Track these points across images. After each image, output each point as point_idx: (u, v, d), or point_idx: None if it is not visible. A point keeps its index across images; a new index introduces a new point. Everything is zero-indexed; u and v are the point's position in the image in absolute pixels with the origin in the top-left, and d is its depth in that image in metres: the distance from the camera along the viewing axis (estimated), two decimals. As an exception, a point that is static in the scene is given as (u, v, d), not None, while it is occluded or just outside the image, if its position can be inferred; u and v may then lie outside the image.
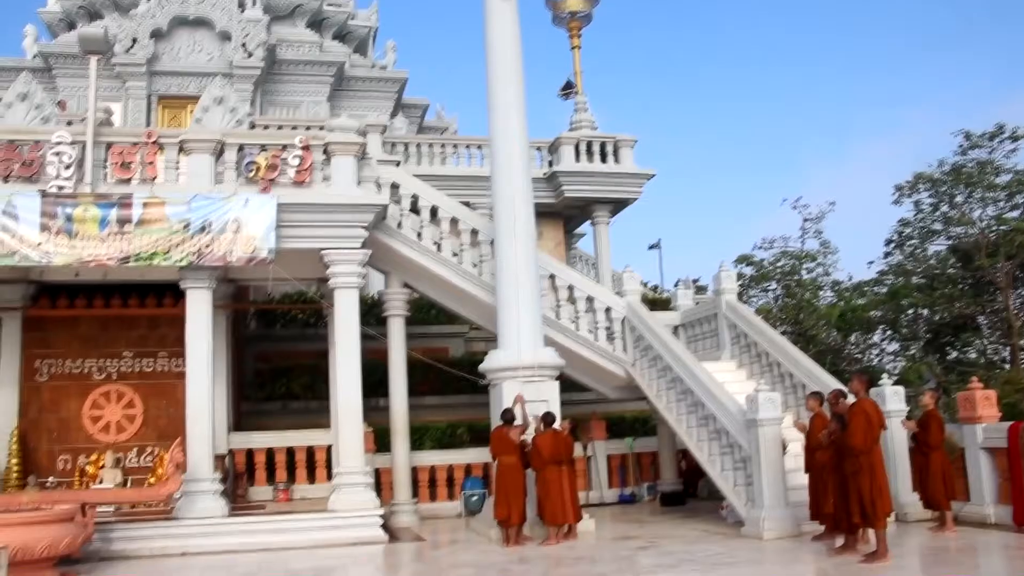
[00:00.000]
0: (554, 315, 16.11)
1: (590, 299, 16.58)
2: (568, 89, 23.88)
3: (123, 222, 13.20)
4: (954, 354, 29.44)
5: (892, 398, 13.20)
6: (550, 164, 22.27)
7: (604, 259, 22.67)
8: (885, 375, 14.13)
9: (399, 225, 15.75)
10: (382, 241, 15.24)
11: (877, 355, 31.07)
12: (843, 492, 10.25)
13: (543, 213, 19.92)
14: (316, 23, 26.95)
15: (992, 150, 28.25)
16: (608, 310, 16.57)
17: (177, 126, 22.85)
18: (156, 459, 15.28)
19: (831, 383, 13.57)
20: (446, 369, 18.50)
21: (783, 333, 22.87)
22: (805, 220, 31.86)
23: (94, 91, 14.34)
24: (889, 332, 30.53)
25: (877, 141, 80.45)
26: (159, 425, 16.04)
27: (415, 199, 16.13)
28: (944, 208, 28.97)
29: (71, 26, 25.89)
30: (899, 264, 30.35)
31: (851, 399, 10.50)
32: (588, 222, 23.59)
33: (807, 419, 12.14)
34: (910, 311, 29.49)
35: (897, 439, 12.98)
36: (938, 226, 29.35)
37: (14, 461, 14.98)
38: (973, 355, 28.99)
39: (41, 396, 15.84)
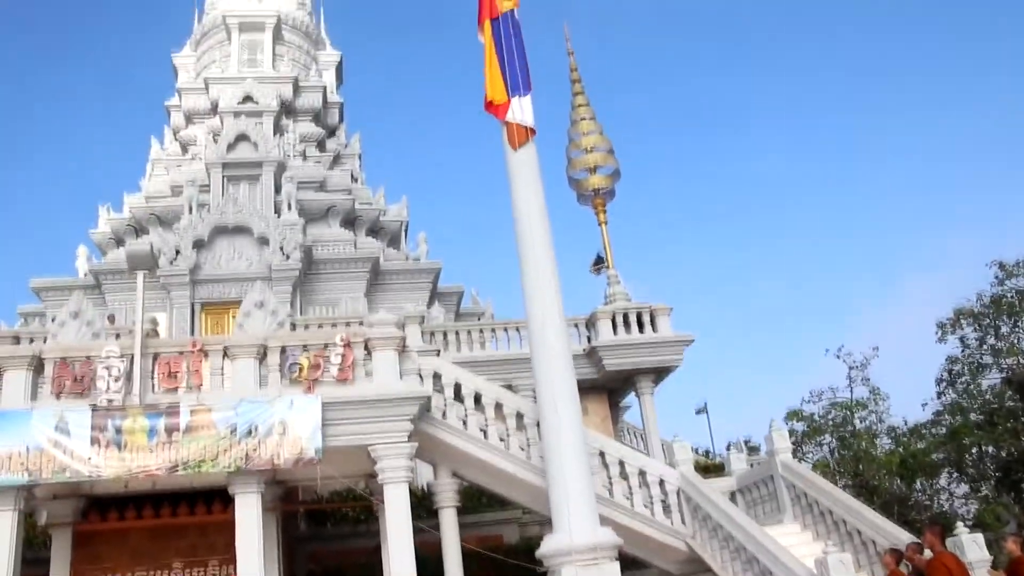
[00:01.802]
0: (607, 492, 15.73)
1: (642, 472, 16.22)
2: (599, 264, 24.28)
3: (171, 431, 13.30)
4: (1030, 491, 28.24)
5: (971, 547, 12.45)
6: (588, 339, 22.37)
7: (652, 429, 22.37)
8: (960, 522, 13.43)
9: (444, 415, 15.69)
10: (428, 432, 15.16)
11: (947, 500, 29.85)
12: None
13: (586, 388, 19.86)
14: (349, 221, 27.91)
15: None
16: (662, 482, 16.16)
17: (220, 331, 23.37)
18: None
19: (902, 536, 12.96)
20: (502, 559, 17.96)
21: (843, 487, 22.14)
22: (851, 368, 31.49)
23: (141, 305, 14.80)
24: (955, 474, 29.43)
25: (924, 276, 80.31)
26: (212, 636, 15.58)
27: (458, 387, 16.14)
28: (991, 341, 28.54)
29: (119, 243, 27.02)
30: (954, 402, 29.60)
31: (928, 553, 9.99)
32: (632, 393, 23.44)
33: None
34: (974, 450, 28.52)
35: (985, 593, 12.22)
36: (988, 359, 28.81)
37: None
38: (1051, 490, 27.77)
39: (91, 614, 15.51)
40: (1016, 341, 27.87)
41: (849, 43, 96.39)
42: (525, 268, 15.07)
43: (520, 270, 15.18)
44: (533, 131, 14.93)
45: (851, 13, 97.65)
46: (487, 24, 14.97)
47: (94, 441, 13.10)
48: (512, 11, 15.14)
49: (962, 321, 28.95)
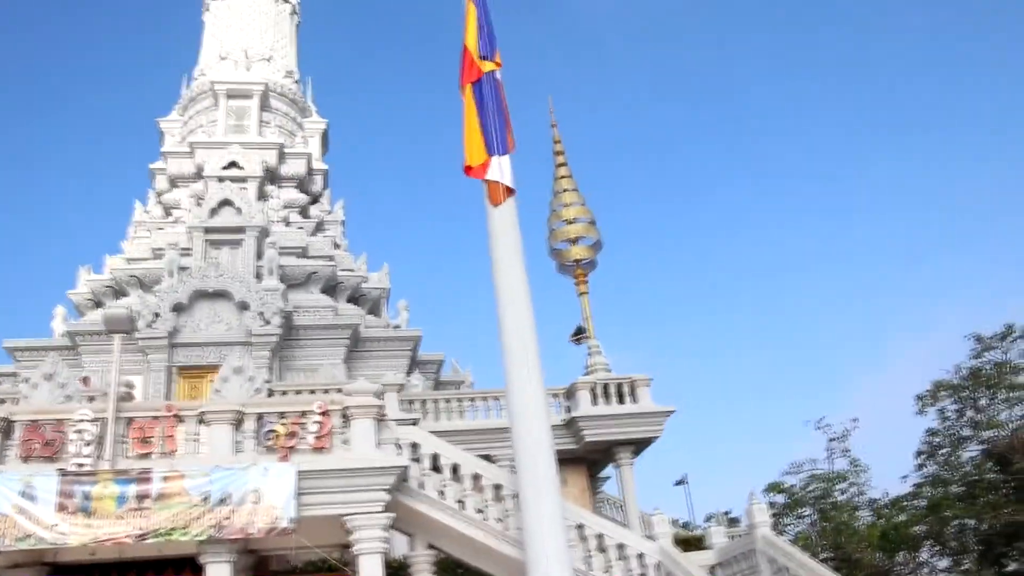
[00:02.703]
0: (585, 566, 15.50)
1: (621, 546, 16.02)
2: (579, 334, 24.26)
3: (142, 498, 13.05)
4: (1012, 565, 27.96)
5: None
6: (568, 410, 22.25)
7: (631, 501, 22.14)
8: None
9: (421, 485, 15.48)
10: (405, 503, 14.93)
11: (928, 573, 29.61)
12: None
13: (565, 460, 19.64)
14: (331, 288, 27.87)
15: (1006, 351, 28.33)
16: (641, 556, 15.96)
17: (197, 396, 23.09)
18: None
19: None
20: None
21: (824, 560, 21.94)
22: (831, 440, 31.50)
23: (116, 369, 14.62)
24: (937, 547, 29.21)
25: (911, 342, 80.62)
26: None
27: (436, 457, 15.97)
28: (970, 413, 28.61)
29: (99, 304, 26.83)
30: (935, 475, 29.54)
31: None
32: (612, 464, 23.25)
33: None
34: (955, 523, 28.36)
35: None
36: (967, 431, 28.84)
37: None
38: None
39: None
40: (995, 414, 27.97)
41: (836, 107, 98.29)
42: (505, 338, 14.99)
43: (500, 339, 15.11)
44: (512, 191, 14.93)
45: (838, 74, 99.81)
46: (468, 88, 15.07)
47: (61, 507, 12.82)
48: (494, 72, 15.28)
49: (941, 393, 29.06)
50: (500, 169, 14.83)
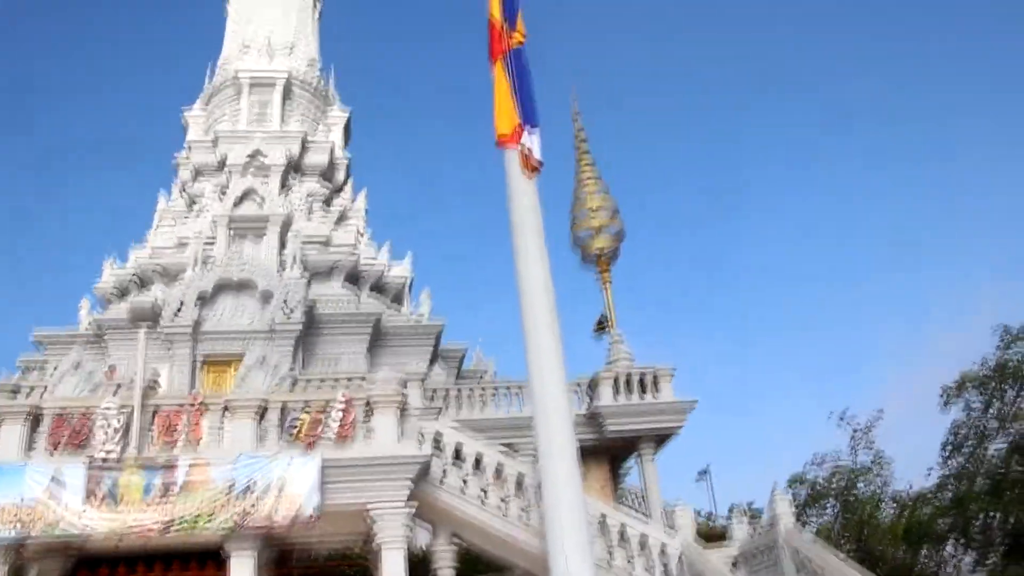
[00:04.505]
0: (608, 558, 15.51)
1: (643, 539, 16.01)
2: (602, 325, 24.17)
3: (167, 487, 13.19)
4: (1039, 560, 27.72)
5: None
6: (590, 401, 22.20)
7: (653, 494, 22.08)
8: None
9: (443, 477, 15.53)
10: (427, 494, 14.99)
11: (953, 569, 29.34)
12: None
13: (587, 452, 19.61)
14: (353, 279, 27.90)
15: None
16: (663, 549, 15.95)
17: (221, 387, 23.21)
18: None
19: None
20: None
21: (847, 553, 21.77)
22: (854, 432, 31.26)
23: (142, 360, 14.74)
24: (962, 543, 28.93)
25: (946, 333, 79.65)
26: None
27: (458, 448, 16.00)
28: (996, 406, 28.25)
29: (123, 295, 27.00)
30: (960, 469, 29.20)
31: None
32: (634, 456, 23.20)
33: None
34: (980, 518, 28.07)
35: None
36: (994, 425, 28.49)
37: None
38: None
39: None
40: (1022, 407, 27.60)
41: (866, 103, 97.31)
42: (528, 328, 14.86)
43: (523, 330, 15.03)
44: (540, 165, 14.76)
45: (864, 90, 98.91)
46: (498, 61, 14.87)
47: (89, 496, 12.97)
48: (521, 47, 15.11)
49: (967, 386, 28.71)
50: (530, 140, 14.66)
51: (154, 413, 14.02)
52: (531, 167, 14.54)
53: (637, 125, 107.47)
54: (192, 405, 14.13)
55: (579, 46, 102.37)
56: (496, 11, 14.95)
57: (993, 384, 28.05)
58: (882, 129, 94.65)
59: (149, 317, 23.17)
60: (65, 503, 12.93)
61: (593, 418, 21.73)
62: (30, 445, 13.62)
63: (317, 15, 36.61)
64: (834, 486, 30.69)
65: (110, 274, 27.82)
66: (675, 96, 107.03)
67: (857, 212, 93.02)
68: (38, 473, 13.00)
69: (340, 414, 14.10)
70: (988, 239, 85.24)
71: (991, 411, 28.44)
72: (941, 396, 29.31)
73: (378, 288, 28.74)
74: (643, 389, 22.23)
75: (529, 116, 14.55)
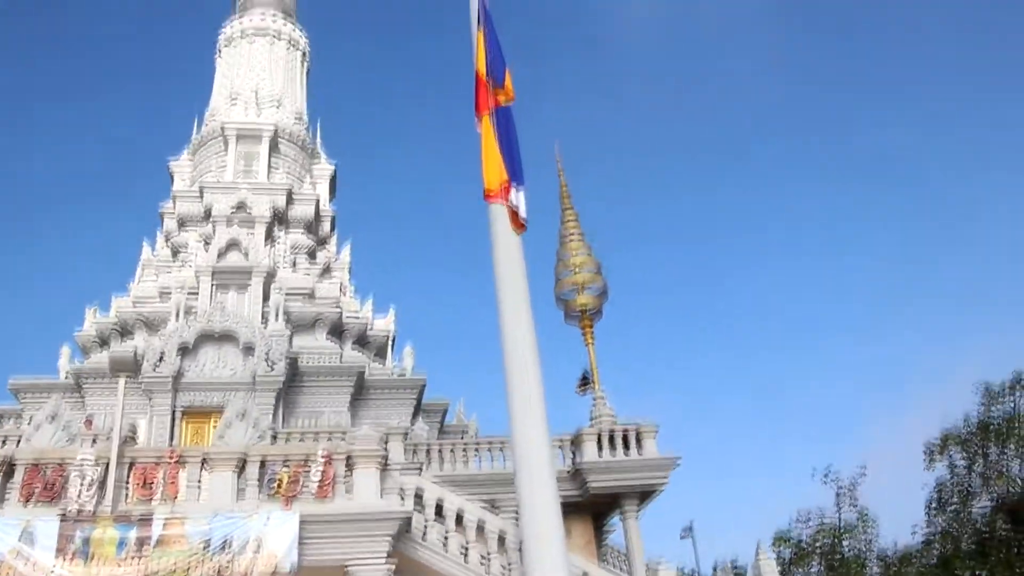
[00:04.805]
0: (589, 620, 15.27)
1: (625, 600, 15.78)
2: (585, 383, 24.08)
3: (142, 543, 12.94)
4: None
5: None
6: (573, 459, 22.02)
7: (636, 552, 21.79)
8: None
9: (424, 533, 15.32)
10: (407, 550, 14.79)
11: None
12: None
13: (570, 510, 19.41)
14: (336, 332, 27.80)
15: (1016, 401, 27.97)
16: (645, 611, 15.72)
17: (200, 439, 22.95)
18: None
19: None
20: None
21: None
22: (839, 490, 31.14)
23: (120, 412, 14.58)
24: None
25: (929, 388, 79.85)
26: None
27: (440, 504, 15.81)
28: (980, 465, 28.20)
29: (104, 345, 26.78)
30: (945, 528, 29.04)
31: None
32: (617, 514, 22.96)
33: None
34: (967, 580, 27.89)
35: None
36: (977, 484, 28.42)
37: None
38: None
39: None
40: (1006, 467, 27.58)
41: (847, 147, 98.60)
42: (511, 386, 14.80)
43: (506, 388, 14.94)
44: (524, 226, 14.82)
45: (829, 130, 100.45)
46: (485, 116, 14.97)
47: (59, 552, 12.71)
48: (508, 106, 15.23)
49: (950, 445, 28.72)
50: (517, 198, 14.72)
51: (131, 466, 13.82)
52: (519, 226, 14.60)
53: (622, 182, 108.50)
54: (170, 459, 13.93)
55: (565, 102, 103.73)
56: (482, 65, 15.09)
57: (976, 442, 28.07)
58: (867, 187, 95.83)
59: (130, 367, 22.94)
60: (34, 561, 12.65)
61: (576, 475, 21.54)
62: (3, 497, 13.37)
63: (305, 71, 37.00)
64: (819, 544, 30.49)
65: (91, 322, 27.62)
66: (660, 155, 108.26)
67: (840, 270, 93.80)
68: (9, 526, 12.74)
69: (320, 471, 13.94)
70: (969, 295, 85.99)
71: (975, 469, 28.42)
72: (925, 453, 29.33)
73: (361, 341, 28.62)
74: (627, 446, 22.08)
75: (515, 175, 14.63)
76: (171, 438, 23.11)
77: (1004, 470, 27.34)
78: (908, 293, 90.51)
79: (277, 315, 25.99)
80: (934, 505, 29.54)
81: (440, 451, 22.03)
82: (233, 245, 27.50)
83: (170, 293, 26.73)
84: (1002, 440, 27.50)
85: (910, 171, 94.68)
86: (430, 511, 15.70)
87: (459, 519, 15.85)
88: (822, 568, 30.45)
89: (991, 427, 27.72)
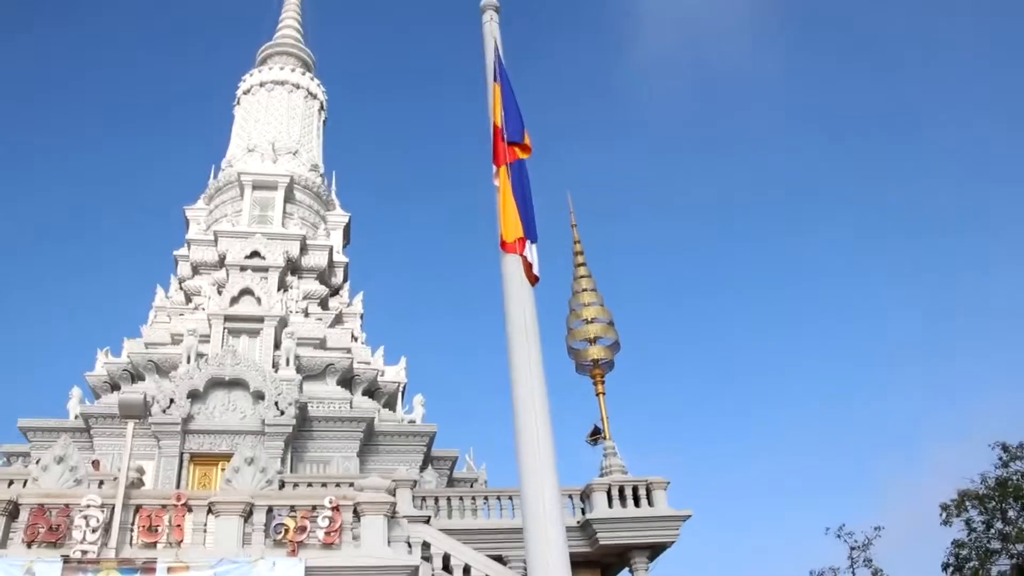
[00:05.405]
0: None
1: (634, 658, 15.49)
2: (596, 435, 23.89)
3: (145, 589, 12.78)
4: None
5: None
6: (583, 512, 21.78)
7: (646, 609, 21.46)
8: None
9: (430, 585, 15.13)
10: (413, 603, 14.57)
11: None
12: None
13: (579, 563, 19.16)
14: (346, 381, 27.77)
15: None
16: (654, 670, 15.41)
17: (208, 484, 22.82)
18: None
19: None
20: None
21: None
22: (852, 549, 30.67)
23: (128, 455, 14.53)
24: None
25: (947, 447, 78.85)
26: None
27: (447, 557, 15.62)
28: (998, 525, 27.67)
29: (115, 387, 26.80)
30: None
31: None
32: (627, 569, 22.64)
33: None
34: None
35: None
36: (996, 544, 27.84)
37: None
38: None
39: None
40: None
41: (851, 205, 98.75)
42: (520, 438, 14.71)
43: (515, 439, 14.85)
44: (537, 279, 14.86)
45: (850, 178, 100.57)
46: (503, 168, 15.06)
47: (62, 598, 12.56)
48: (524, 161, 15.33)
49: (967, 503, 28.24)
50: (531, 253, 14.78)
51: (136, 510, 13.73)
52: (533, 279, 14.65)
53: (636, 236, 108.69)
54: (176, 504, 13.84)
55: (580, 155, 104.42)
56: (498, 118, 15.22)
57: (994, 502, 27.61)
58: (882, 245, 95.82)
59: (139, 411, 22.86)
60: (37, 603, 12.52)
61: (585, 528, 21.28)
62: (7, 538, 13.27)
63: (322, 121, 37.50)
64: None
65: (102, 365, 27.69)
66: (675, 210, 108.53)
67: (855, 328, 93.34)
68: (13, 568, 12.63)
69: (327, 519, 13.83)
70: (985, 353, 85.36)
71: (992, 530, 27.90)
72: (941, 513, 28.84)
73: (372, 390, 28.57)
74: (636, 500, 21.84)
75: (529, 231, 14.70)
76: (179, 482, 22.99)
77: (1023, 531, 26.86)
78: (923, 351, 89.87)
79: (288, 362, 26.00)
80: (952, 567, 28.95)
81: (449, 501, 21.82)
82: (246, 292, 27.62)
83: (182, 337, 26.80)
84: (1020, 499, 27.07)
85: (925, 226, 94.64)
86: (437, 561, 15.51)
87: (466, 572, 15.65)
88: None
89: (1009, 487, 27.30)
